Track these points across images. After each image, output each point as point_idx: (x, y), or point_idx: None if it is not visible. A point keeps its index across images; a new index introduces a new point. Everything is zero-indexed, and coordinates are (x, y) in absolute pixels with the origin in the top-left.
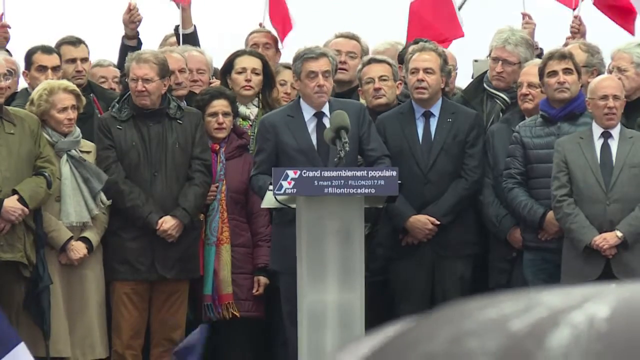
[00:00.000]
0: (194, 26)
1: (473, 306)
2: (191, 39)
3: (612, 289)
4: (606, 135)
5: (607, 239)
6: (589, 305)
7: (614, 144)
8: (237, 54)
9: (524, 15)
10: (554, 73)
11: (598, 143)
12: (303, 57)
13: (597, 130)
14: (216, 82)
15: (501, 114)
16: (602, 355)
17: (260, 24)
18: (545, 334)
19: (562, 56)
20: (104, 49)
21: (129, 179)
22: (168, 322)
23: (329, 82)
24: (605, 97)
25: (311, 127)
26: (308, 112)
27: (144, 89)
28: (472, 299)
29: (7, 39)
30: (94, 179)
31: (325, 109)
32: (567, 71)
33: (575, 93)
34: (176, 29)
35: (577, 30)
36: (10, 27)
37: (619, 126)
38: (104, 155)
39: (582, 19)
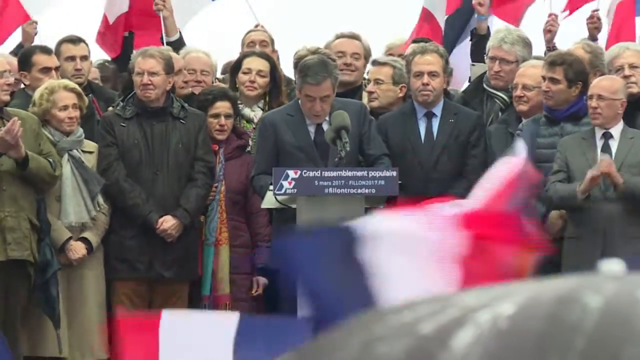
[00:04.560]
0: (179, 32)
1: (390, 310)
2: (177, 45)
3: (526, 286)
4: (607, 135)
5: (609, 166)
6: (499, 303)
7: (614, 145)
8: (247, 54)
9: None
10: (544, 79)
11: (599, 143)
12: (304, 77)
13: (598, 130)
14: (218, 84)
15: (500, 114)
16: (497, 354)
17: (256, 25)
18: (451, 335)
19: (552, 63)
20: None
21: (130, 177)
22: None
23: (327, 104)
24: (591, 97)
25: (310, 125)
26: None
27: (149, 82)
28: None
29: (35, 34)
30: (93, 181)
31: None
32: (552, 80)
33: (561, 102)
34: (161, 38)
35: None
36: (37, 23)
37: (620, 126)
38: (106, 153)
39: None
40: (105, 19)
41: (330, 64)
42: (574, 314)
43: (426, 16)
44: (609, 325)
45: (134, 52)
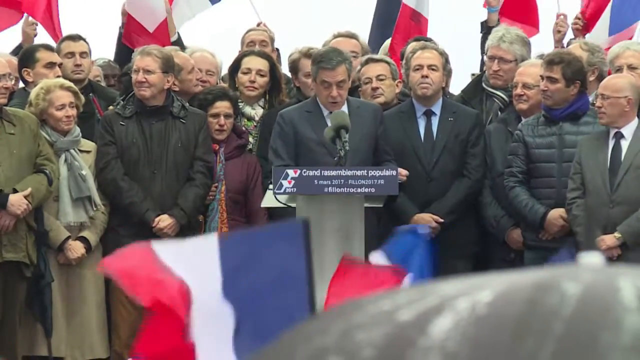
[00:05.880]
0: (178, 33)
1: (369, 299)
2: (176, 46)
3: (505, 276)
4: (619, 135)
5: (606, 240)
6: (478, 291)
7: (625, 144)
8: (245, 54)
9: (559, 15)
10: (542, 78)
11: (611, 143)
12: (319, 64)
13: (612, 130)
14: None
15: (499, 113)
16: (475, 338)
17: (259, 24)
18: (430, 322)
19: (550, 62)
20: (102, 49)
21: (128, 176)
22: None
23: (343, 90)
24: (596, 96)
25: (329, 121)
26: (326, 110)
27: (144, 79)
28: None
29: (34, 36)
30: (86, 181)
31: (344, 107)
32: (550, 79)
33: (559, 101)
34: None
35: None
36: (37, 24)
37: (634, 125)
38: (104, 152)
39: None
40: (142, 29)
41: (344, 51)
42: (553, 300)
43: (413, 15)
44: (587, 311)
45: (135, 50)
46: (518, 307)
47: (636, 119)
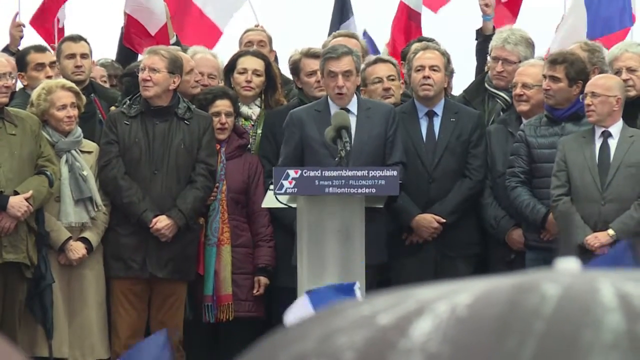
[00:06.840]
0: (176, 36)
1: (347, 305)
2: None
3: (482, 281)
4: (606, 134)
5: (599, 238)
6: (456, 295)
7: (613, 143)
8: (240, 54)
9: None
10: (545, 77)
11: (598, 142)
12: (325, 55)
13: (598, 129)
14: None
15: (501, 113)
16: (456, 340)
17: (256, 25)
18: (410, 324)
19: (553, 62)
20: (104, 49)
21: (128, 175)
22: (166, 323)
23: (350, 81)
24: (586, 95)
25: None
26: (334, 108)
27: (149, 78)
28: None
29: (21, 38)
30: (87, 182)
31: (353, 106)
32: (553, 79)
33: (562, 101)
34: None
35: None
36: (24, 26)
37: (620, 125)
38: (107, 150)
39: None
40: (144, 31)
41: (352, 47)
42: (533, 300)
43: (411, 15)
44: (568, 311)
45: (144, 50)
46: (498, 308)
47: (621, 119)
